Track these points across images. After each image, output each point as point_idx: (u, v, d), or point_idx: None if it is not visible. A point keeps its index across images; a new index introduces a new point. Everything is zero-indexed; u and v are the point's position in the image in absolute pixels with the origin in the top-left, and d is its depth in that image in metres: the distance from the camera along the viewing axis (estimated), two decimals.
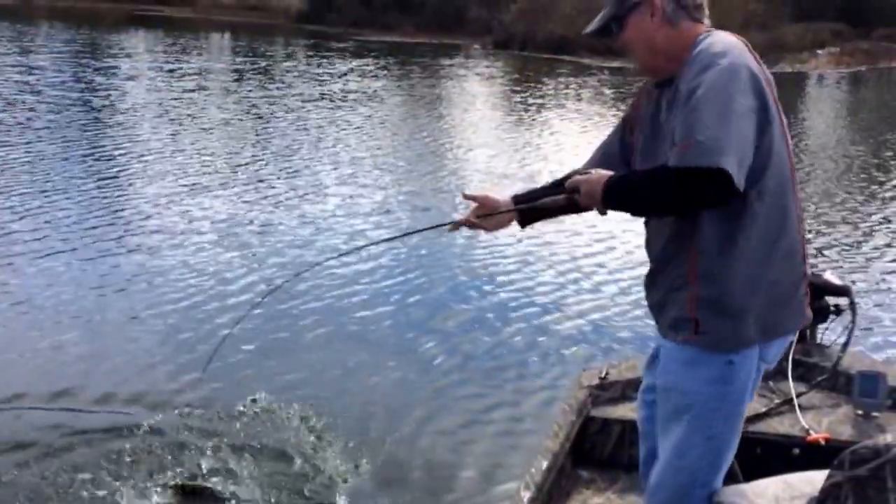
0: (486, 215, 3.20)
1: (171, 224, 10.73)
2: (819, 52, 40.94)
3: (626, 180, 2.80)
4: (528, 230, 3.37)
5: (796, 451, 3.94)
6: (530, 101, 24.11)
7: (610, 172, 2.81)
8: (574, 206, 2.99)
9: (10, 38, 33.86)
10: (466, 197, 3.25)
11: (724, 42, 2.73)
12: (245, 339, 7.28)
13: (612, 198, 2.76)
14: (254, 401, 6.27)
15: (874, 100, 29.47)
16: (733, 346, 2.81)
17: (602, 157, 3.19)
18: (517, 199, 3.22)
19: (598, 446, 4.29)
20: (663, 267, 2.94)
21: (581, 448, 4.24)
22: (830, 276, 4.60)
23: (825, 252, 10.26)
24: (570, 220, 11.48)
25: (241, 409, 6.20)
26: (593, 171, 2.84)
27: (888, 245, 11.02)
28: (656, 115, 2.94)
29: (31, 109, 18.25)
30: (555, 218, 3.32)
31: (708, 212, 2.74)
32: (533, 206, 3.14)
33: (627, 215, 2.91)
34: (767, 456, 3.86)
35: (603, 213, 2.83)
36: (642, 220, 3.05)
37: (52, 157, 13.98)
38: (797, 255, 2.89)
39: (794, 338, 4.27)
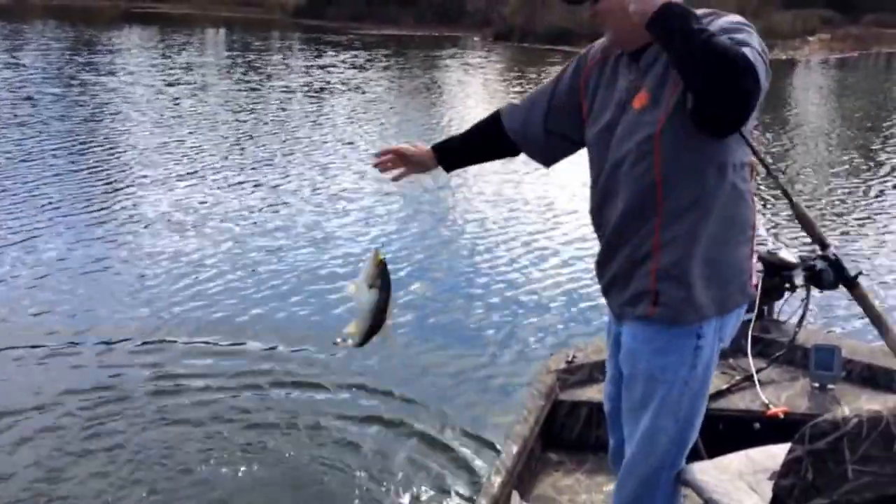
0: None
1: (164, 211, 10.94)
2: (810, 38, 41.31)
3: (698, 19, 2.56)
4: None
5: (757, 425, 4.04)
6: (519, 90, 23.96)
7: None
8: (500, 146, 3.25)
9: (3, 36, 33.87)
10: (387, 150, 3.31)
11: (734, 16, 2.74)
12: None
13: (672, 16, 2.54)
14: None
15: (861, 84, 29.58)
16: (695, 319, 2.82)
17: (528, 112, 3.19)
18: (436, 149, 3.31)
19: (566, 429, 4.36)
20: (623, 238, 2.89)
21: (550, 431, 4.32)
22: (785, 254, 4.65)
23: (782, 229, 10.36)
24: (537, 196, 11.89)
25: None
26: None
27: (842, 221, 11.22)
28: (615, 82, 2.90)
29: (22, 105, 18.37)
30: (481, 161, 3.45)
31: (683, 178, 2.73)
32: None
33: None
34: (730, 431, 3.91)
35: (650, 26, 2.57)
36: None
37: (45, 151, 14.08)
38: (750, 230, 2.89)
39: (753, 316, 4.49)
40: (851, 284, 2.62)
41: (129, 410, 6.01)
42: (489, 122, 3.29)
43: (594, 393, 4.28)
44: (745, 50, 2.48)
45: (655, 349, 2.88)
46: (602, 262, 3.02)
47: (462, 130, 3.39)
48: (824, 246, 2.65)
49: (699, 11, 2.67)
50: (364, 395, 6.34)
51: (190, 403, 6.14)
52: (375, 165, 3.32)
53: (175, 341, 7.15)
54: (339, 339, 3.12)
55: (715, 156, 2.72)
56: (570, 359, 4.53)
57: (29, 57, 27.21)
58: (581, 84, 3.03)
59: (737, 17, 2.69)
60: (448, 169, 3.36)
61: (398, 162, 3.29)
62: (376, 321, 3.01)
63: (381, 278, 3.00)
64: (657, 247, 2.80)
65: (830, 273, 2.63)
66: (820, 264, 2.62)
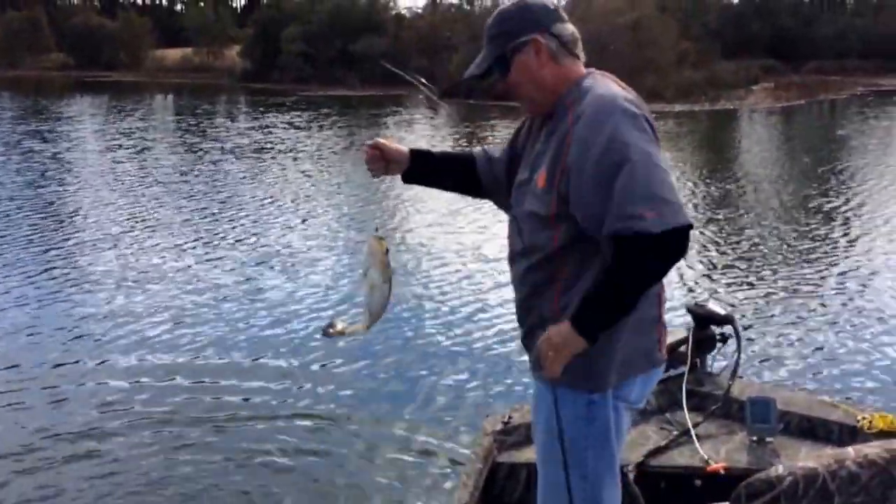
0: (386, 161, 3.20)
1: (108, 269, 11.04)
2: (754, 87, 41.94)
3: (596, 298, 2.69)
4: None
5: (698, 482, 3.94)
6: (454, 145, 23.74)
7: (567, 323, 2.70)
8: (468, 183, 3.24)
9: None
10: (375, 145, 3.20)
11: (611, 91, 2.78)
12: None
13: (591, 326, 2.69)
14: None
15: (807, 131, 30.01)
16: (591, 386, 2.82)
17: (498, 162, 3.22)
18: (413, 152, 3.24)
19: (506, 492, 4.21)
20: (526, 301, 2.95)
21: (490, 495, 4.16)
22: (714, 306, 4.71)
23: (708, 281, 10.34)
24: (474, 248, 11.72)
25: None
26: (550, 328, 2.75)
27: (786, 264, 11.21)
28: (537, 142, 2.95)
29: None
30: (443, 186, 3.41)
31: (571, 249, 2.78)
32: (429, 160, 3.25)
33: None
34: (671, 489, 3.86)
35: (592, 342, 2.71)
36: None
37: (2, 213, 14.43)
38: (652, 296, 2.85)
39: (686, 369, 4.49)
40: None
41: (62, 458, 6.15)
42: (466, 158, 3.27)
43: (532, 453, 3.96)
44: (645, 217, 2.53)
45: (553, 400, 2.85)
46: (518, 321, 3.05)
47: (439, 151, 3.34)
48: None
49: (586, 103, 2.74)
50: (301, 451, 6.26)
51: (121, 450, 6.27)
52: (367, 158, 3.20)
53: (114, 391, 7.29)
54: (335, 329, 3.15)
55: None
56: (506, 419, 4.39)
57: None
58: (531, 136, 3.07)
59: (606, 132, 2.64)
60: (408, 178, 3.25)
61: (379, 158, 3.18)
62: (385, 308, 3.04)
63: (389, 267, 2.99)
64: (554, 314, 2.80)
65: None
66: None
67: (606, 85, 2.81)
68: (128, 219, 14.15)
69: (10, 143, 23.74)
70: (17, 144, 23.42)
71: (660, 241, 2.55)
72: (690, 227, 2.60)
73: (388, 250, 3.01)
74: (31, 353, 8.19)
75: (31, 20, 65.74)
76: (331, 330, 3.15)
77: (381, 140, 3.20)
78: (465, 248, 12.02)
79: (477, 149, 3.29)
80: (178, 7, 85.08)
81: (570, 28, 2.91)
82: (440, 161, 3.29)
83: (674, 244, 2.59)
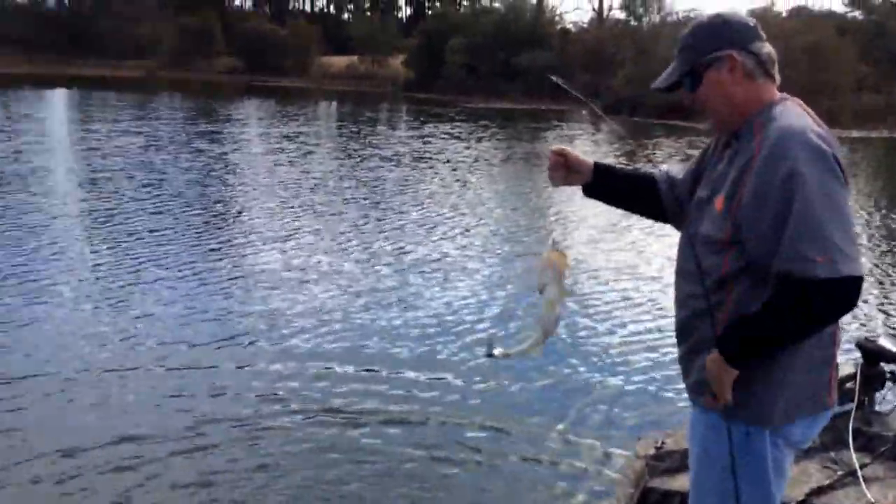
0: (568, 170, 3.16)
1: (268, 267, 11.31)
2: None
3: (748, 324, 2.62)
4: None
5: None
6: (614, 162, 23.57)
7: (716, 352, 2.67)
8: (648, 204, 3.16)
9: (132, 105, 35.94)
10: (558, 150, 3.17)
11: (801, 123, 2.65)
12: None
13: (735, 349, 2.64)
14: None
15: None
16: (749, 418, 2.72)
17: (676, 177, 3.14)
18: (597, 165, 3.19)
19: None
20: (689, 323, 2.85)
21: None
22: (885, 342, 4.52)
23: (880, 316, 9.76)
24: (631, 266, 11.38)
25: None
26: (707, 360, 2.72)
27: None
28: (720, 161, 2.86)
29: (145, 168, 19.35)
30: (623, 206, 3.33)
31: (741, 276, 2.67)
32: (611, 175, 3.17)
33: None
34: None
35: (739, 366, 2.66)
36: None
37: (165, 211, 14.87)
38: (826, 336, 2.71)
39: (853, 407, 4.29)
40: None
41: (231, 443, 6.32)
42: (647, 178, 3.19)
43: (686, 481, 3.81)
44: (816, 261, 2.43)
45: (709, 425, 2.80)
46: (677, 340, 2.96)
47: (621, 169, 3.29)
48: None
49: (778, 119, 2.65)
50: (449, 457, 6.21)
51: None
52: (550, 164, 3.15)
53: (270, 383, 7.45)
54: (501, 352, 3.05)
55: None
56: (659, 444, 4.30)
57: (154, 125, 28.69)
58: (716, 154, 2.98)
59: (787, 165, 2.53)
60: (590, 192, 3.21)
61: (562, 166, 3.14)
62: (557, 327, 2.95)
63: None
64: (714, 339, 2.71)
65: None
66: None
67: (798, 115, 2.70)
68: (287, 219, 14.45)
69: (179, 142, 24.64)
70: (187, 144, 24.27)
71: (827, 288, 2.45)
72: (861, 279, 2.47)
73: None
74: (194, 342, 8.38)
75: (205, 25, 68.25)
76: (496, 352, 3.03)
77: (566, 147, 3.13)
78: (621, 265, 11.73)
79: (658, 170, 3.17)
80: (346, 16, 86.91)
81: (767, 47, 2.81)
82: (622, 179, 3.21)
83: (841, 294, 2.47)
